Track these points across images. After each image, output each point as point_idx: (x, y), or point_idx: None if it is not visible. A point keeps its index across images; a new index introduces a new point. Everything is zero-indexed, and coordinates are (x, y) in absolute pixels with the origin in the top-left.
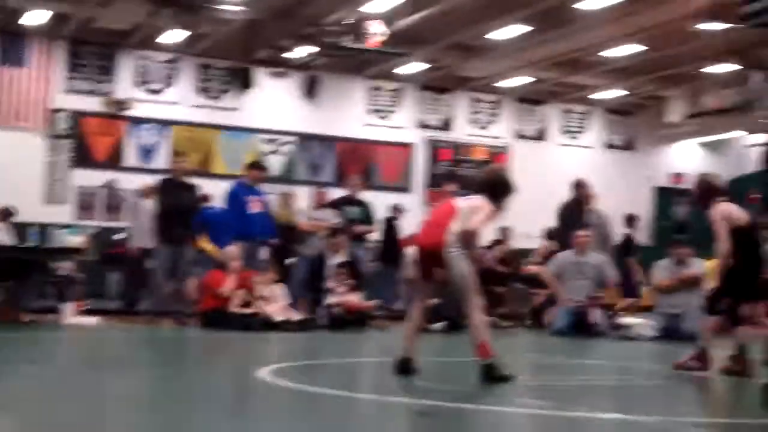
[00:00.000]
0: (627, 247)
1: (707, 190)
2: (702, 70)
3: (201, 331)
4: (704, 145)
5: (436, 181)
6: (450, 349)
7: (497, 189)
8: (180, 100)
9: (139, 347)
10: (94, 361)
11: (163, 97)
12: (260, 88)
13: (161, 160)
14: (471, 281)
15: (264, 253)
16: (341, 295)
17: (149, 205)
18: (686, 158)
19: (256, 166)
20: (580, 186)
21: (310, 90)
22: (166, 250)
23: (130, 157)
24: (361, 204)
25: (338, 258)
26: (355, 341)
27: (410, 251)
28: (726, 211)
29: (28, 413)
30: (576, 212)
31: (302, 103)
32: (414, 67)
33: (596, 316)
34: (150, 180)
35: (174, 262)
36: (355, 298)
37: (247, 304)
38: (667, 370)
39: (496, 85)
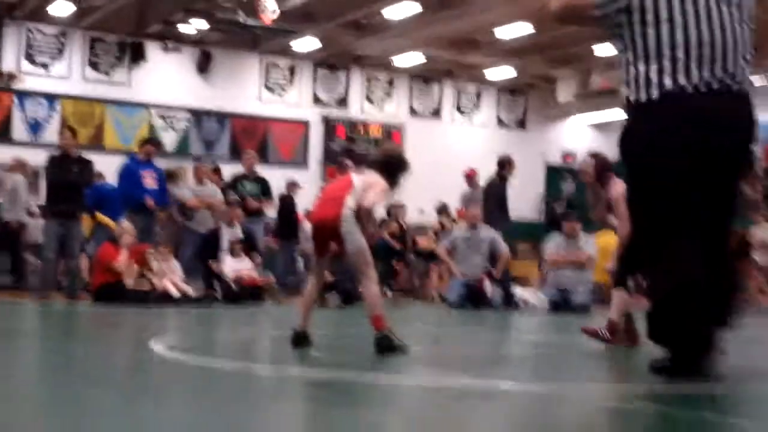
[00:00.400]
0: None
1: (605, 168)
2: (591, 50)
3: (93, 306)
4: (593, 124)
5: (331, 157)
6: (345, 322)
7: (392, 167)
8: (70, 74)
9: (27, 321)
10: None
11: (53, 71)
12: (152, 63)
13: (51, 134)
14: (366, 255)
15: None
16: (237, 270)
17: (19, 178)
18: (576, 137)
19: (149, 141)
20: (506, 163)
21: (204, 65)
22: (54, 225)
23: (19, 131)
24: (257, 180)
25: (234, 233)
26: (251, 315)
27: (307, 226)
28: (624, 186)
29: None
30: (501, 189)
31: (196, 79)
32: (309, 44)
33: (489, 288)
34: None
35: (62, 237)
36: (251, 273)
37: (141, 279)
38: (556, 341)
39: (391, 63)
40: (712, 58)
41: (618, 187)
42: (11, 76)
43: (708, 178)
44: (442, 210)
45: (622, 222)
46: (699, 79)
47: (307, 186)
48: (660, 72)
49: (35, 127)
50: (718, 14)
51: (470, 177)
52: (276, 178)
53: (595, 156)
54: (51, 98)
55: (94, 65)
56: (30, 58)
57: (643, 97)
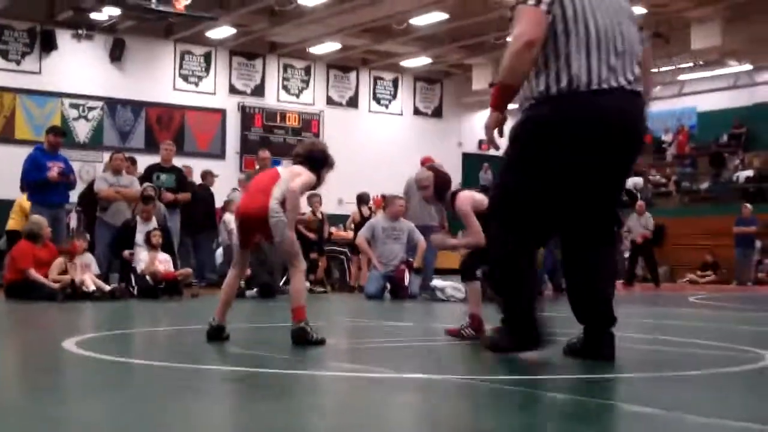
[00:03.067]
0: None
1: (444, 183)
2: (505, 39)
3: (4, 303)
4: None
5: (249, 147)
6: (263, 315)
7: (316, 162)
8: None
9: None
10: None
11: None
12: (64, 51)
13: None
14: (295, 246)
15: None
16: (152, 263)
17: None
18: None
19: (53, 130)
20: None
21: (117, 53)
22: None
23: None
24: (173, 171)
25: (149, 225)
26: (167, 310)
27: (228, 218)
28: (470, 199)
29: None
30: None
31: (109, 67)
32: (223, 31)
33: (408, 279)
34: None
35: None
36: (167, 266)
37: (63, 274)
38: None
39: (308, 51)
40: (609, 57)
41: (464, 200)
42: None
43: (595, 172)
44: (362, 200)
45: (473, 234)
46: (597, 77)
47: (225, 177)
48: (560, 70)
49: None
50: (615, 17)
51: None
52: (194, 168)
53: (433, 170)
54: None
55: (3, 53)
56: None
57: (543, 90)
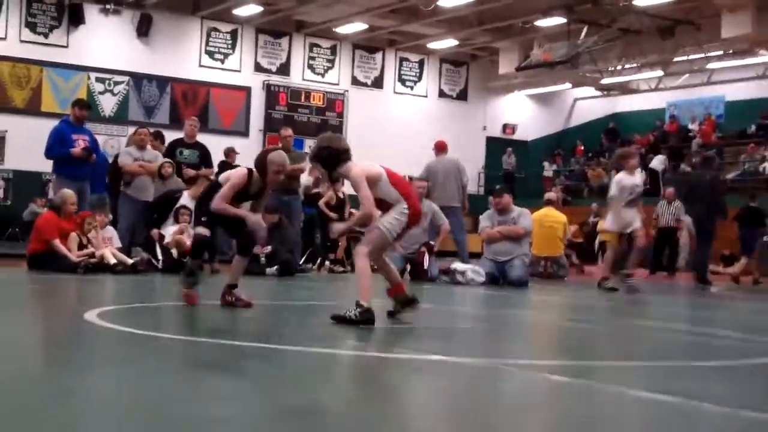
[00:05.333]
0: None
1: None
2: (533, 23)
3: (28, 274)
4: (532, 95)
5: (273, 125)
6: (283, 292)
7: (328, 162)
8: (6, 35)
9: None
10: None
11: None
12: (91, 25)
13: None
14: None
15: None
16: (180, 233)
17: None
18: (516, 109)
19: (78, 103)
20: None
21: (144, 29)
22: None
23: None
24: (196, 146)
25: (184, 201)
26: None
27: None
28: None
29: None
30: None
31: (136, 42)
32: (250, 9)
33: (428, 262)
34: None
35: None
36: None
37: (81, 247)
38: (492, 315)
39: (334, 30)
40: None
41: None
42: None
43: None
44: None
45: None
46: None
47: (247, 154)
48: None
49: None
50: None
51: (440, 147)
52: (216, 145)
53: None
54: None
55: (31, 26)
56: None
57: None
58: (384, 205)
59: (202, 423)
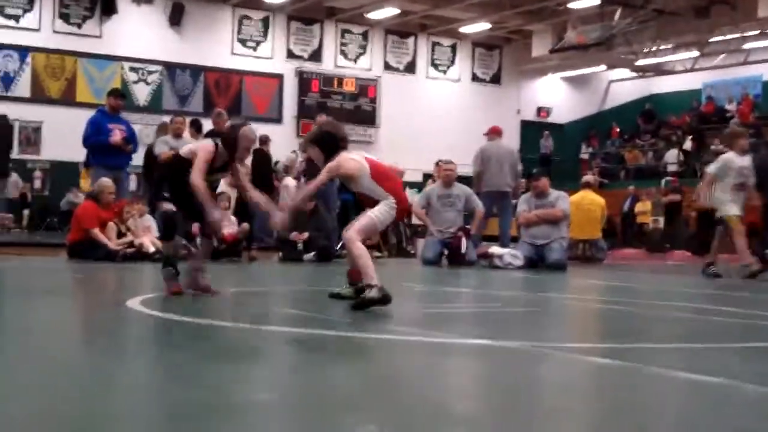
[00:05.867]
0: None
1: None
2: (566, 5)
3: (68, 263)
4: (566, 78)
5: (306, 112)
6: (321, 278)
7: (325, 145)
8: (40, 27)
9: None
10: None
11: (22, 23)
12: (124, 15)
13: (23, 88)
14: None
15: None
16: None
17: None
18: (551, 92)
19: (114, 93)
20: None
21: (176, 18)
22: None
23: None
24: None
25: (223, 188)
26: (228, 271)
27: (289, 182)
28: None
29: None
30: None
31: (168, 32)
32: None
33: (465, 246)
34: None
35: None
36: (229, 230)
37: (120, 236)
38: (531, 298)
39: (366, 16)
40: None
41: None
42: None
43: None
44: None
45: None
46: None
47: (281, 141)
48: None
49: (6, 80)
50: None
51: (495, 132)
52: None
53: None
54: (21, 51)
55: (64, 17)
56: (0, 10)
57: None
58: (370, 202)
59: (245, 408)
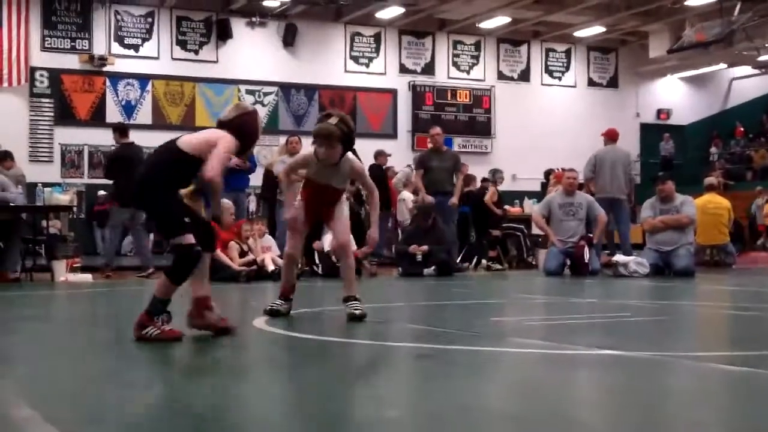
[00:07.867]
0: None
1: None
2: (683, 3)
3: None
4: (685, 78)
5: (420, 125)
6: (442, 293)
7: (347, 144)
8: (158, 55)
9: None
10: (95, 317)
11: (142, 52)
12: (239, 39)
13: (144, 115)
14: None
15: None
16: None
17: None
18: (670, 94)
19: None
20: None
21: (289, 39)
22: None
23: (113, 114)
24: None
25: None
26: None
27: (406, 195)
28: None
29: (28, 369)
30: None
31: (282, 52)
32: (392, 11)
33: (588, 255)
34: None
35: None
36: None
37: (241, 255)
38: (660, 307)
39: (477, 26)
40: None
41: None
42: (103, 60)
43: None
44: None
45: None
46: None
47: (397, 156)
48: None
49: (128, 108)
50: None
51: (610, 136)
52: (365, 148)
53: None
54: (142, 79)
55: (182, 44)
56: (120, 41)
57: None
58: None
59: (374, 425)
